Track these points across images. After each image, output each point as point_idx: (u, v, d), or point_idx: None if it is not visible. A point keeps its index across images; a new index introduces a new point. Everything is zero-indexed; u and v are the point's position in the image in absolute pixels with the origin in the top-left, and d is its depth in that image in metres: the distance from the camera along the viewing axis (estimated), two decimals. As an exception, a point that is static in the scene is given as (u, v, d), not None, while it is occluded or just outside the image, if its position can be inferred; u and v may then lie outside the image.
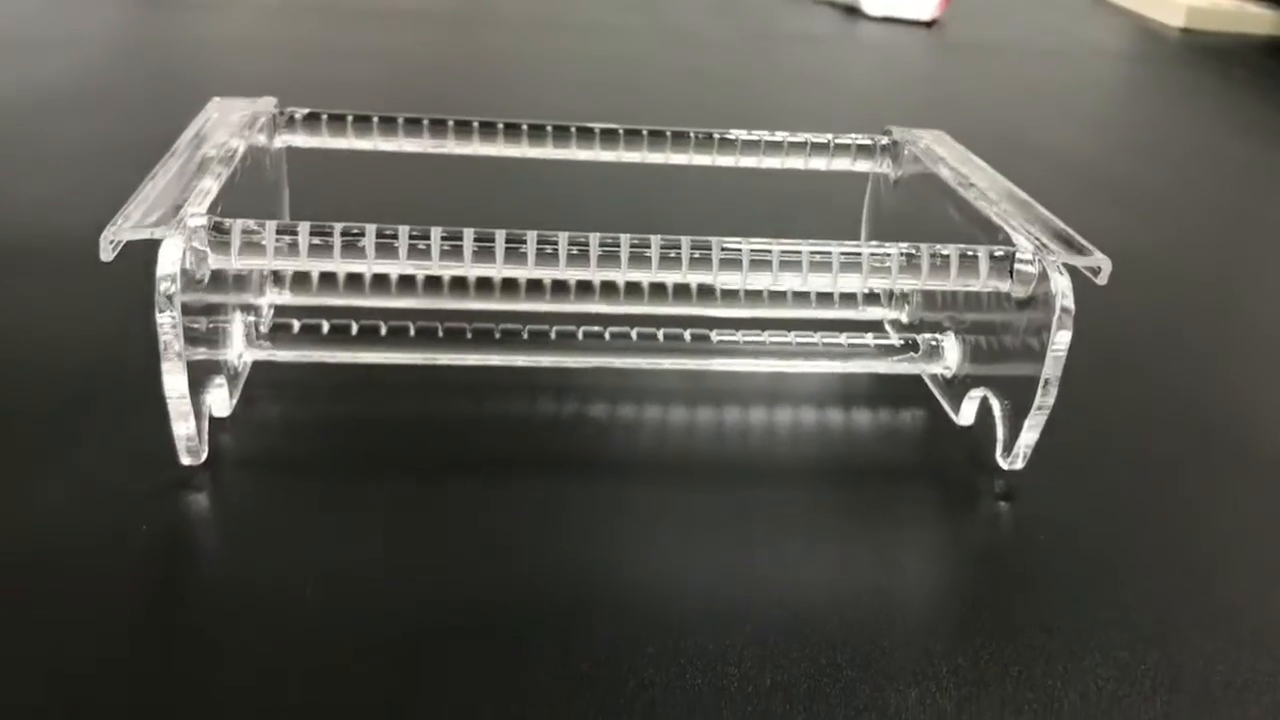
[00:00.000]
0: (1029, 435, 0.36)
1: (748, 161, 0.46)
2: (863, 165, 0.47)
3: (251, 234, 0.33)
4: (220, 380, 0.36)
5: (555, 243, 0.34)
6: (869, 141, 0.47)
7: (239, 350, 0.38)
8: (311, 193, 0.48)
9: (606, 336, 0.40)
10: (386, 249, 0.33)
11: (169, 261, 0.31)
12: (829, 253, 0.35)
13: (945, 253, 0.36)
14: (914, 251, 0.36)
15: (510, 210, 0.59)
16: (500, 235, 0.34)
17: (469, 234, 0.34)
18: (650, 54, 1.02)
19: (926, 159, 0.45)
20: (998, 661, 0.29)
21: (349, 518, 0.33)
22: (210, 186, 0.35)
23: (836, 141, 0.46)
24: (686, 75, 0.95)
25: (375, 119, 0.44)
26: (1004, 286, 0.36)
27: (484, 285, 0.41)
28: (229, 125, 0.41)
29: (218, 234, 0.33)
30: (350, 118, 0.44)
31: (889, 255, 0.35)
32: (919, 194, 0.45)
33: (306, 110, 0.44)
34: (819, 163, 0.47)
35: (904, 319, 0.46)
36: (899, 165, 0.47)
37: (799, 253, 0.35)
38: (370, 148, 0.44)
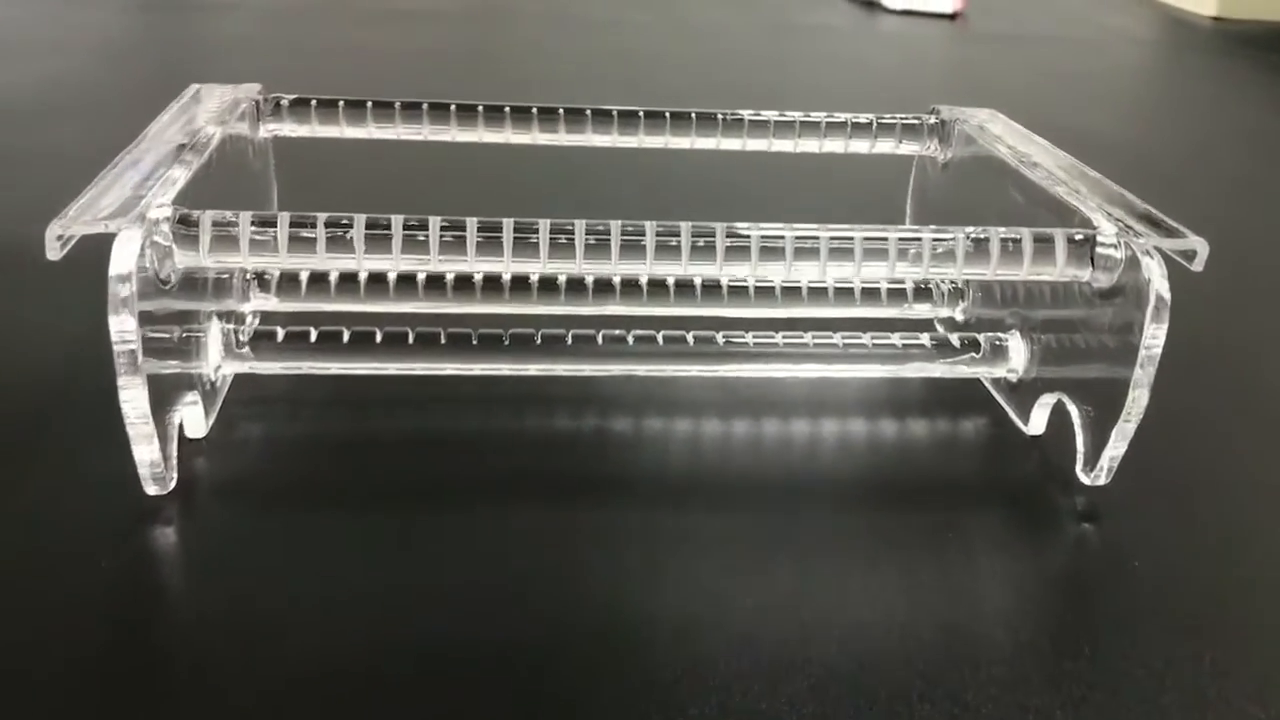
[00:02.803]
0: (1116, 447, 0.32)
1: (782, 145, 0.42)
2: (909, 147, 0.43)
3: (223, 226, 0.29)
4: (193, 397, 0.32)
5: (571, 232, 0.29)
6: (915, 121, 0.42)
7: (216, 362, 0.33)
8: (306, 187, 0.44)
9: (630, 341, 0.35)
10: (378, 242, 0.29)
11: (124, 258, 0.26)
12: (885, 239, 0.31)
13: (1017, 237, 0.31)
14: (982, 236, 0.31)
15: (524, 203, 0.55)
16: (508, 224, 0.29)
17: (472, 224, 0.29)
18: (666, 49, 0.98)
19: (981, 139, 0.40)
20: (1105, 718, 0.25)
21: (339, 554, 0.28)
22: (178, 175, 0.31)
23: (880, 121, 0.42)
24: (704, 71, 0.91)
25: (369, 104, 0.40)
26: (1084, 275, 0.32)
27: (492, 285, 0.37)
28: (206, 112, 0.37)
29: (184, 226, 0.29)
30: (342, 103, 0.39)
31: (954, 241, 0.31)
32: (972, 177, 0.41)
33: (294, 96, 0.40)
34: (860, 145, 0.42)
35: (958, 317, 0.41)
36: (948, 146, 0.42)
37: (850, 239, 0.31)
38: (364, 136, 0.40)
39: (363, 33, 0.96)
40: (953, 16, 1.18)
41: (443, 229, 0.29)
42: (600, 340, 0.35)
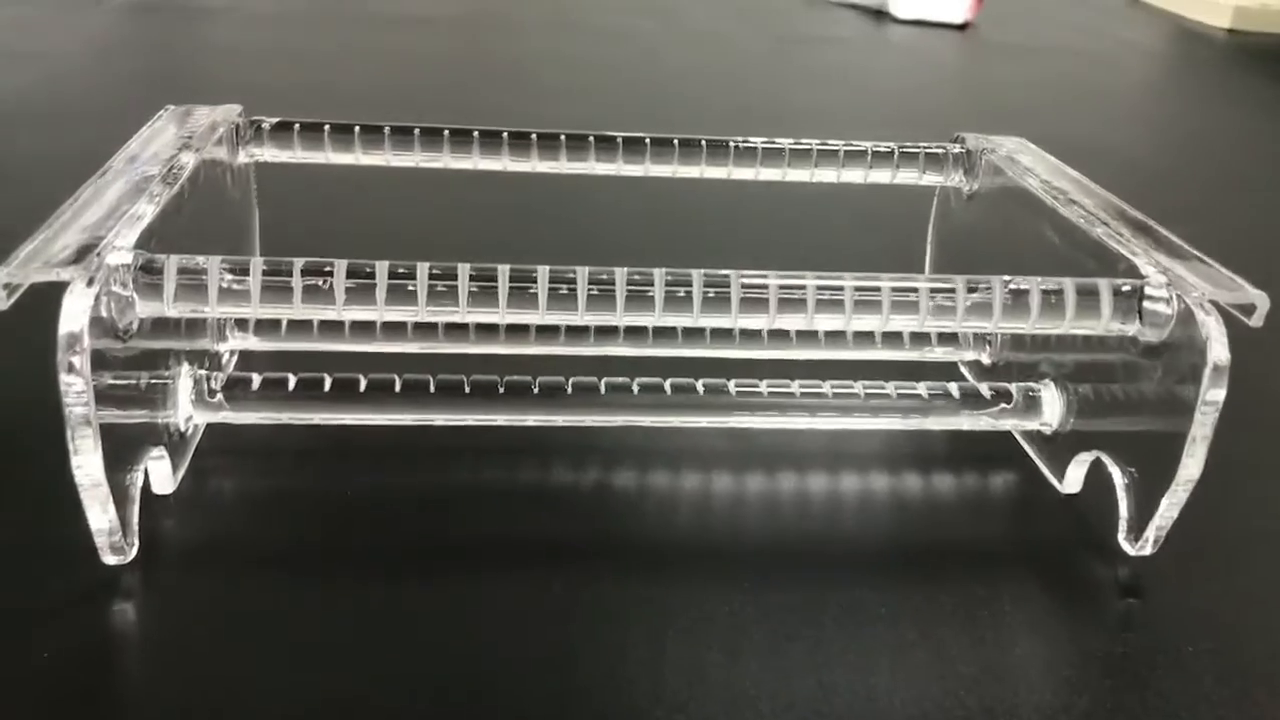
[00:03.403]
0: (1165, 517, 0.29)
1: (797, 175, 0.39)
2: (932, 178, 0.40)
3: (190, 274, 0.26)
4: (159, 451, 0.29)
5: (572, 281, 0.27)
6: (940, 150, 0.40)
7: (186, 412, 0.31)
8: (294, 214, 0.41)
9: (634, 390, 0.33)
10: (361, 292, 0.26)
11: (76, 314, 0.24)
12: (915, 289, 0.28)
13: (1058, 288, 0.29)
14: (1021, 287, 0.29)
15: (522, 237, 0.52)
16: (503, 272, 0.27)
17: (464, 271, 0.27)
18: (669, 60, 0.95)
19: (1010, 170, 0.38)
20: (1163, 836, 0.22)
21: (321, 631, 0.26)
22: (145, 211, 0.28)
23: (902, 150, 0.39)
24: (708, 84, 0.88)
25: (357, 129, 0.37)
26: (1130, 330, 0.29)
27: (486, 326, 0.34)
28: (180, 137, 0.34)
29: (147, 274, 0.26)
30: (327, 128, 0.37)
31: (990, 291, 0.28)
32: (1001, 211, 0.38)
33: (276, 119, 0.37)
34: (881, 175, 0.40)
35: (985, 360, 0.39)
36: (974, 177, 0.40)
37: (877, 289, 0.28)
38: (351, 162, 0.37)
39: (358, 39, 0.94)
40: (963, 27, 1.16)
41: (432, 277, 0.26)
42: (603, 389, 0.32)
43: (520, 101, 0.76)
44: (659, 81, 0.87)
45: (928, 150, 0.40)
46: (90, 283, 0.24)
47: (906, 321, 0.28)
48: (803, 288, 0.28)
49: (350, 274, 0.26)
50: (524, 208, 0.54)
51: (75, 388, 0.24)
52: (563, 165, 0.38)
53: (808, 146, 0.39)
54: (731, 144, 0.38)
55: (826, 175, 0.39)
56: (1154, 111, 0.97)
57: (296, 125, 0.37)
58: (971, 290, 0.28)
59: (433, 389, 0.32)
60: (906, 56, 1.06)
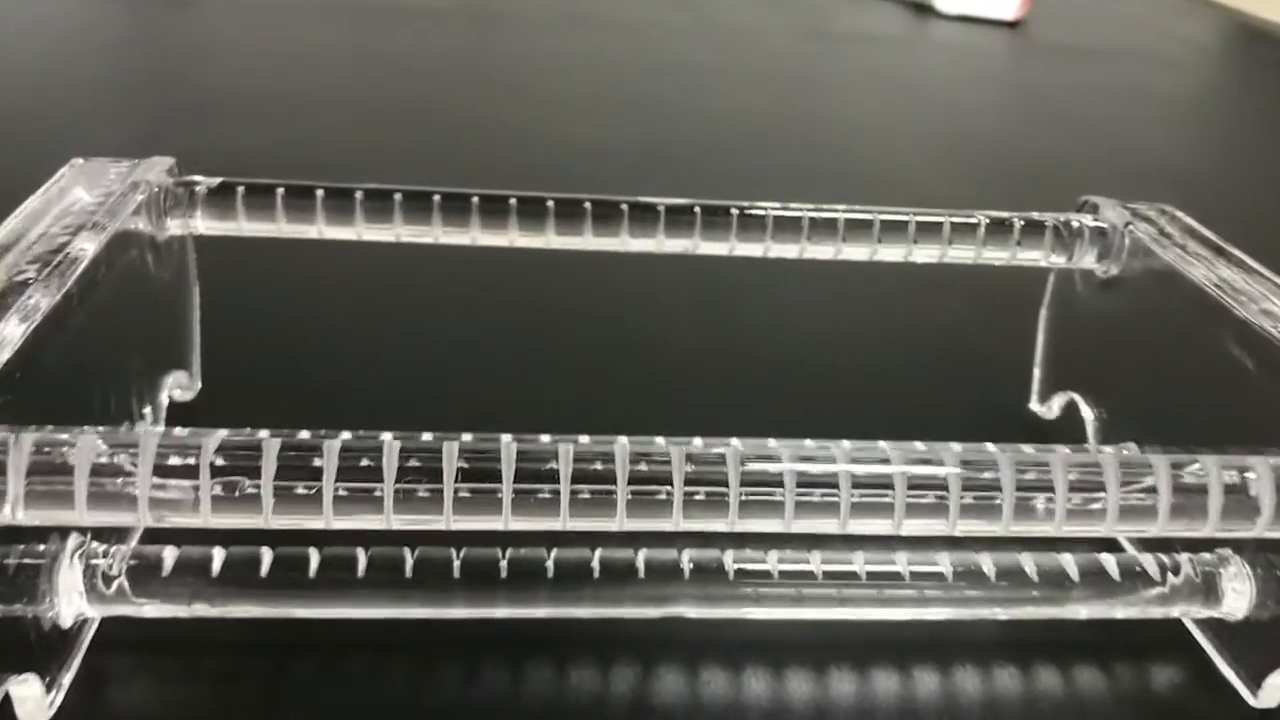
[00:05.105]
0: None
1: (890, 254, 0.31)
2: (1058, 258, 0.31)
3: (48, 477, 0.18)
4: (23, 676, 0.21)
5: (609, 482, 0.18)
6: (1072, 223, 0.31)
7: (73, 607, 0.22)
8: (246, 291, 0.33)
9: (685, 570, 0.24)
10: (296, 502, 0.18)
11: None
12: (1096, 491, 0.20)
13: (1295, 470, 0.20)
14: (1246, 475, 0.20)
15: (534, 332, 0.43)
16: (508, 452, 0.18)
17: (451, 456, 0.18)
18: (699, 60, 0.86)
19: (1163, 251, 0.29)
20: None
21: None
22: (12, 334, 0.20)
23: (1024, 222, 0.31)
24: (744, 88, 0.79)
25: (320, 193, 0.28)
26: (1392, 527, 0.21)
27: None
28: (83, 209, 0.25)
29: (-20, 464, 0.17)
30: (281, 192, 0.28)
31: (1205, 481, 0.20)
32: (1150, 305, 0.30)
33: (216, 181, 0.29)
34: (997, 254, 0.31)
35: (1127, 500, 0.30)
36: (1113, 259, 0.31)
37: (1050, 484, 0.19)
38: (313, 235, 0.29)
39: (354, 35, 0.84)
40: (1013, 24, 1.06)
41: (403, 468, 0.18)
42: (641, 571, 0.24)
43: (529, 112, 0.68)
44: (696, 88, 0.78)
45: (1059, 221, 0.31)
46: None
47: (1089, 528, 0.20)
48: (942, 482, 0.19)
49: (284, 466, 0.18)
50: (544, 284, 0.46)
51: None
52: (588, 240, 0.30)
53: (905, 218, 0.30)
54: (806, 218, 0.30)
55: (927, 254, 0.31)
56: (1229, 124, 0.88)
57: (240, 188, 0.28)
58: (1185, 483, 0.20)
59: (409, 572, 0.23)
60: (955, 58, 0.96)
